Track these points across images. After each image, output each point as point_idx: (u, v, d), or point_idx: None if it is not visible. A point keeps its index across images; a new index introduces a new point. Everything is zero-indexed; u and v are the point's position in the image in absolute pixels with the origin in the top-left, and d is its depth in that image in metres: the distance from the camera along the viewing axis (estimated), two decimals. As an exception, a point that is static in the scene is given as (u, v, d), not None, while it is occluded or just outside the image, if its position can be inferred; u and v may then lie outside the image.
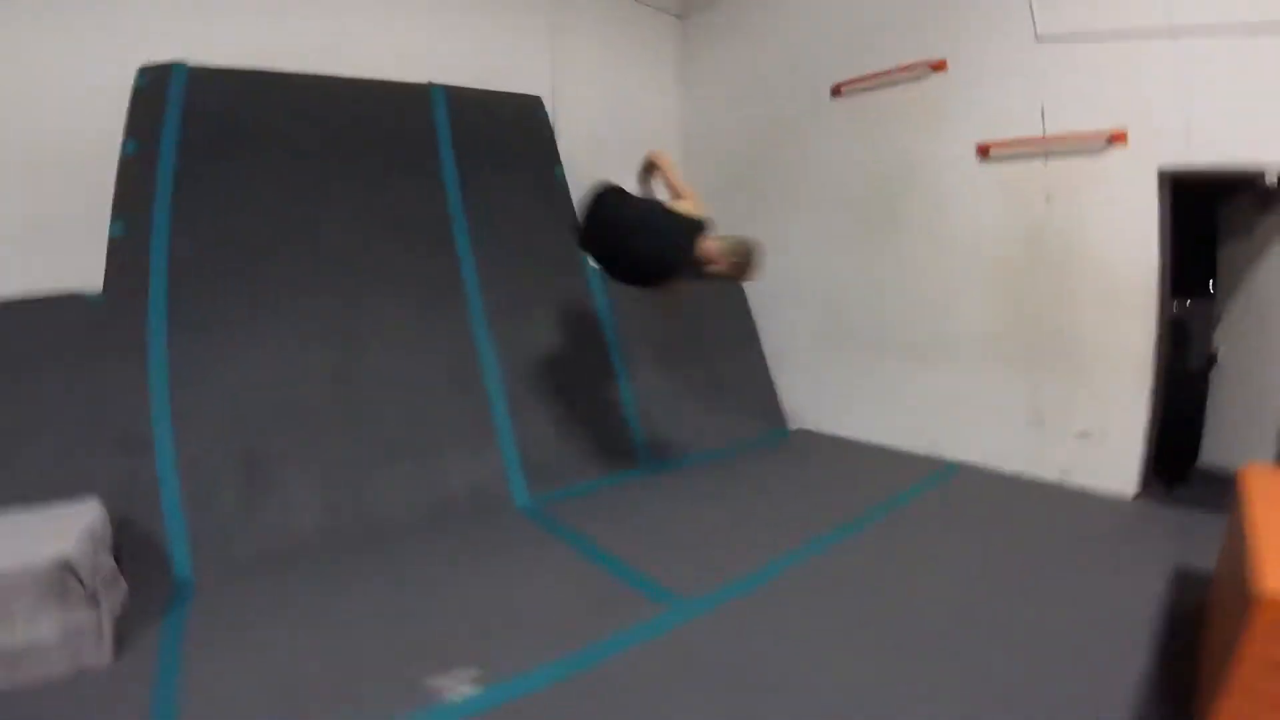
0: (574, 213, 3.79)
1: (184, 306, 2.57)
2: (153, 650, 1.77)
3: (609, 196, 2.53)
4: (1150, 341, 2.77)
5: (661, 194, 2.66)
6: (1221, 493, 2.56)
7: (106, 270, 2.52)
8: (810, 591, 2.12)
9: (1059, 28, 2.90)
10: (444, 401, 2.98)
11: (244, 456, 2.49)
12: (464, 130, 3.54)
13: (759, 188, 4.32)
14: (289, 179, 2.99)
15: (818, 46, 3.92)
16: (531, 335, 3.36)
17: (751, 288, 4.10)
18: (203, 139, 2.82)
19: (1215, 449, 3.12)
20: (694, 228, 2.41)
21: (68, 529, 1.77)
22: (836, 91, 3.82)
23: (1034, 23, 2.96)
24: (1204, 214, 3.03)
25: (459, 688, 1.61)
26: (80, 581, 1.65)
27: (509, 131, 3.76)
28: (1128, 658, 1.69)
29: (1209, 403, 3.11)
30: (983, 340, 3.33)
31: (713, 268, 2.39)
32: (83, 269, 2.56)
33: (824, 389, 4.09)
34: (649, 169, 2.71)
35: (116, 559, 1.94)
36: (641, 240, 2.41)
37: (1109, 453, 2.90)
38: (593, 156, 4.21)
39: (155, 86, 2.79)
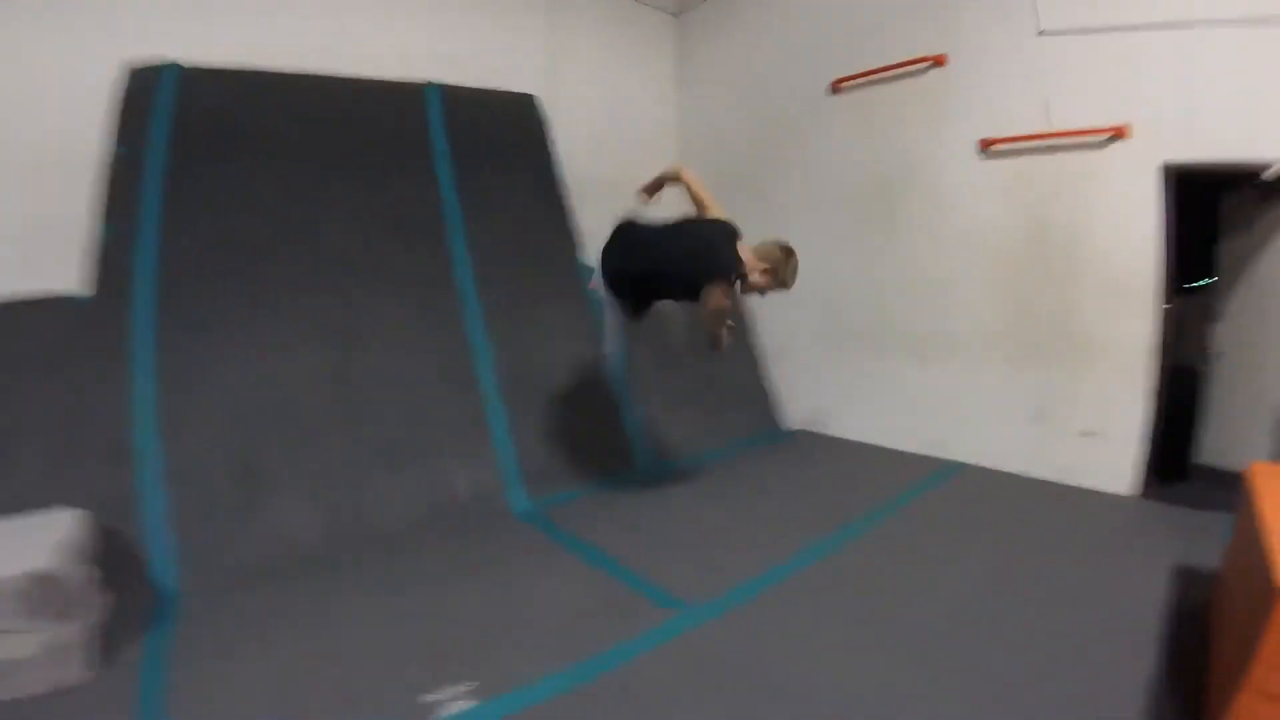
0: (571, 214, 3.76)
1: (177, 308, 2.53)
2: (137, 665, 1.71)
3: (630, 224, 2.49)
4: (1152, 338, 2.74)
5: (662, 212, 2.59)
6: (1222, 491, 2.55)
7: (95, 273, 2.51)
8: (816, 594, 2.09)
9: (1061, 22, 2.87)
10: (443, 403, 2.94)
11: (238, 461, 2.44)
12: (459, 129, 3.51)
13: (758, 186, 4.28)
14: (284, 179, 2.95)
15: (816, 41, 3.88)
16: (530, 335, 3.32)
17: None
18: (197, 139, 2.79)
19: (1213, 447, 3.10)
20: (730, 230, 2.38)
21: (47, 540, 1.72)
22: (836, 87, 3.78)
23: (1037, 16, 2.93)
24: (1205, 209, 3.00)
25: (453, 704, 1.56)
26: (60, 595, 1.59)
27: (504, 130, 3.74)
28: (1133, 656, 1.68)
29: (1207, 399, 3.09)
30: (984, 338, 3.29)
31: (752, 278, 2.33)
32: (83, 269, 2.55)
33: (824, 388, 4.06)
34: (661, 183, 2.59)
35: (101, 571, 1.87)
36: (683, 244, 2.34)
37: (1111, 451, 2.87)
38: (591, 155, 4.19)
39: (143, 88, 2.76)
